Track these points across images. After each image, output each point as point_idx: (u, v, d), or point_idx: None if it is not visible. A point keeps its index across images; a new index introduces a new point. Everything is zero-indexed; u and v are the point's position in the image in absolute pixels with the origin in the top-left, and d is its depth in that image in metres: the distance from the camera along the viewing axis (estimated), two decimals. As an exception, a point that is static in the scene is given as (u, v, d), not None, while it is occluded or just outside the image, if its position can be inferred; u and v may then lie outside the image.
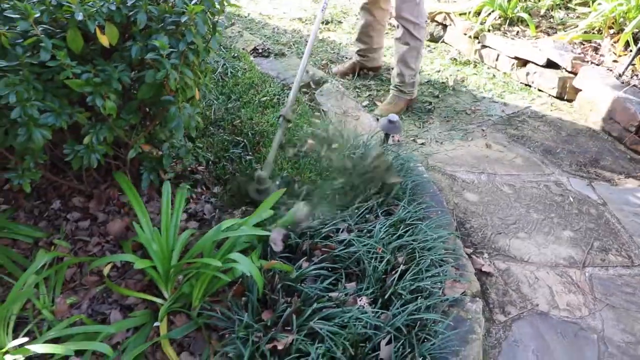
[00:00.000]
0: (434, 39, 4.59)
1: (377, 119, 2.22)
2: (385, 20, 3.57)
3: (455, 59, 4.21)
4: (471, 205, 2.44)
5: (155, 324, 1.68)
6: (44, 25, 1.52)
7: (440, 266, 1.92)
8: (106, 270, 1.78)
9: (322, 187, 2.16)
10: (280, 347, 1.54)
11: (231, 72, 3.33)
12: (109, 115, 1.69)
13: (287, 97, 3.07)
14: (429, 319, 1.73)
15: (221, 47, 3.68)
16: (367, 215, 2.08)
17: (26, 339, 1.36)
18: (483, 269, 2.06)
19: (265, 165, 2.17)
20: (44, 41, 1.44)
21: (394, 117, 2.17)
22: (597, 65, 3.51)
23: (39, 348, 1.32)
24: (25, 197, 2.07)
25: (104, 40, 1.56)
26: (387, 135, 2.25)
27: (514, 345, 1.79)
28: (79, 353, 1.53)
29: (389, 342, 1.60)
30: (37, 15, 1.46)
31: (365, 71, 3.77)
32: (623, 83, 3.25)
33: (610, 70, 3.42)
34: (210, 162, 2.43)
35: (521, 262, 2.14)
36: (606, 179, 2.76)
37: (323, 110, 3.03)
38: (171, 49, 1.60)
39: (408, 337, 1.64)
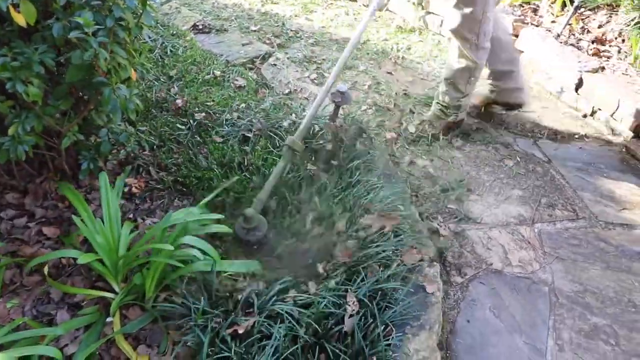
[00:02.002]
0: (379, 8, 4.54)
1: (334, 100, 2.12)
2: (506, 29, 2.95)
3: (400, 26, 4.19)
4: (423, 171, 2.46)
5: (108, 319, 1.60)
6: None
7: (398, 235, 1.93)
8: (46, 269, 1.67)
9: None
10: (241, 331, 1.51)
11: (171, 51, 3.17)
12: (34, 103, 1.55)
13: (233, 74, 2.97)
14: (389, 287, 1.74)
15: (158, 24, 3.49)
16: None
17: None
18: (439, 233, 2.09)
19: (256, 201, 1.93)
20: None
21: (343, 87, 2.12)
22: (537, 26, 3.59)
23: (-24, 358, 1.23)
24: (-51, 198, 1.91)
25: (20, 20, 1.42)
26: (337, 107, 2.20)
27: (471, 305, 1.83)
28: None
29: (351, 316, 1.60)
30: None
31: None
32: (561, 43, 3.34)
33: (549, 31, 3.50)
34: (155, 147, 2.31)
35: (474, 223, 2.18)
36: (549, 137, 2.85)
37: (269, 84, 2.94)
38: (97, 26, 1.47)
39: (370, 307, 1.65)
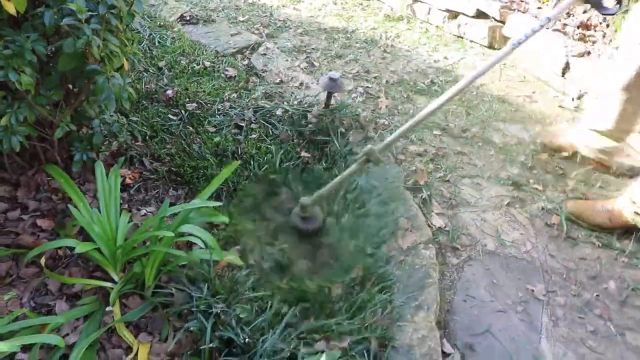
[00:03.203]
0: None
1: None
2: None
3: (388, 15, 4.20)
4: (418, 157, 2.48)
5: (108, 308, 1.60)
6: None
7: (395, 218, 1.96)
8: (43, 260, 1.66)
9: None
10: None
11: (159, 42, 3.14)
12: (26, 92, 1.54)
13: (223, 65, 2.96)
14: (386, 270, 1.77)
15: (145, 16, 3.45)
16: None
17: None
18: (434, 214, 2.12)
19: (316, 194, 1.91)
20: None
21: (335, 74, 2.13)
22: (523, 13, 3.62)
23: (-21, 347, 1.22)
24: (-60, 192, 1.88)
25: (10, 8, 1.40)
26: (329, 94, 2.21)
27: (467, 285, 1.86)
28: (26, 349, 1.44)
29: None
30: None
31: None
32: (548, 28, 3.38)
33: (536, 17, 3.53)
34: (147, 137, 2.30)
35: (468, 206, 2.21)
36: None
37: (260, 74, 2.94)
38: (90, 13, 1.46)
39: (368, 289, 1.67)
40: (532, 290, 1.86)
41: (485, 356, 1.63)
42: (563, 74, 3.12)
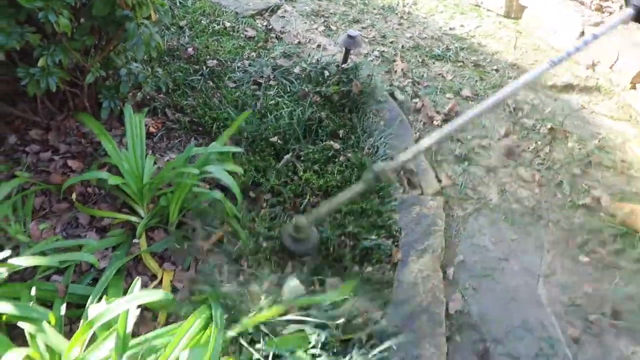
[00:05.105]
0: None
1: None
2: None
3: (406, -17, 4.21)
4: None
5: (134, 240, 1.72)
6: None
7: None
8: (74, 195, 1.78)
9: None
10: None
11: (180, 2, 3.20)
12: (63, 35, 1.63)
13: (243, 25, 3.02)
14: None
15: (166, -24, 3.50)
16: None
17: (8, 252, 1.37)
18: (443, 169, 2.20)
19: (313, 213, 1.73)
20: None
21: (354, 32, 2.19)
22: (542, -18, 3.61)
23: (23, 261, 1.34)
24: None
25: (48, -47, 1.48)
26: (347, 51, 2.28)
27: (471, 235, 1.96)
28: (60, 273, 1.56)
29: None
30: None
31: None
32: (565, -1, 3.38)
33: (554, -12, 3.53)
34: (170, 90, 2.40)
35: (476, 163, 2.29)
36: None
37: (279, 35, 3.00)
38: (123, -41, 1.54)
39: (377, 231, 1.77)
40: (533, 242, 1.95)
41: (485, 296, 1.73)
42: (578, 43, 3.14)
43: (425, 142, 1.58)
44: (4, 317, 1.33)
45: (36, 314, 1.27)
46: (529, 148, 2.40)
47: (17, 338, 1.29)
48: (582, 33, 3.10)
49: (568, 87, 2.91)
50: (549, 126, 2.53)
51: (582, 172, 2.30)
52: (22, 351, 1.10)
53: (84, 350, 1.21)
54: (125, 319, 1.21)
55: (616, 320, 1.70)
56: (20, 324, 1.25)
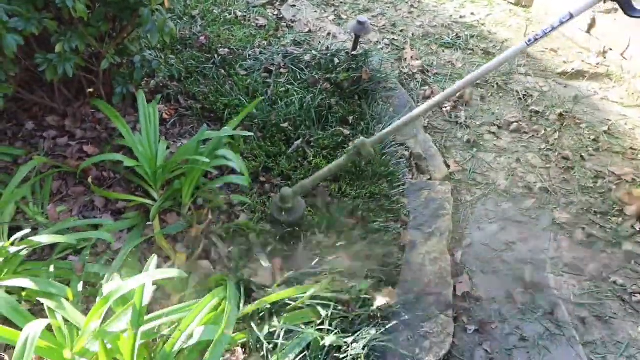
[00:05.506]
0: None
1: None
2: None
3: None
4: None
5: (148, 223, 1.77)
6: None
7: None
8: (90, 179, 1.83)
9: None
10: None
11: (191, -8, 3.24)
12: (79, 21, 1.67)
13: (254, 14, 3.05)
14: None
15: (178, -33, 3.54)
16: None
17: (28, 230, 1.42)
18: (451, 155, 2.22)
19: (299, 185, 1.79)
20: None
21: (363, 18, 2.21)
22: (553, -30, 3.58)
23: (42, 238, 1.40)
24: (-5, 119, 2.06)
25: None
26: (357, 38, 2.30)
27: (479, 219, 1.98)
28: (76, 253, 1.62)
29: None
30: None
31: None
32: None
33: (566, -25, 3.50)
34: (182, 78, 2.44)
35: (485, 149, 2.31)
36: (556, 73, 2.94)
37: (289, 24, 3.02)
38: (136, -54, 1.58)
39: (386, 214, 1.80)
40: (541, 226, 1.96)
41: (493, 278, 1.75)
42: (589, 30, 3.12)
43: (400, 121, 1.73)
44: (24, 293, 1.39)
45: (55, 289, 1.32)
46: (538, 134, 2.41)
47: (37, 315, 1.34)
48: (593, 20, 3.08)
49: (578, 74, 2.90)
50: (558, 112, 2.53)
51: (591, 157, 2.30)
52: (44, 322, 1.15)
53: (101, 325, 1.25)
54: (142, 293, 1.24)
55: (624, 303, 1.71)
56: (40, 299, 1.30)
